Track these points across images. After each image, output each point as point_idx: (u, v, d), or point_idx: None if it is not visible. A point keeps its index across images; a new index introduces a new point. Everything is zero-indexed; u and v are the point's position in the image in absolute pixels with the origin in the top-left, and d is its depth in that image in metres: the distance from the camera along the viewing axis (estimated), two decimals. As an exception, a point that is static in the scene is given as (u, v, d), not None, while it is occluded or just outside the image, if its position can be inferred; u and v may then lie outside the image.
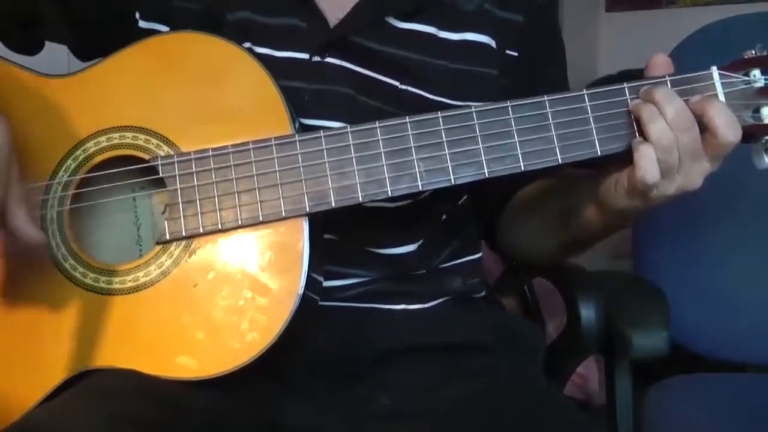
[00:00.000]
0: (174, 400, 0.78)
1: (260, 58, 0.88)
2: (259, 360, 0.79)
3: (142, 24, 0.94)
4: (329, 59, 0.92)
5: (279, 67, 0.89)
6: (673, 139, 0.79)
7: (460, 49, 0.95)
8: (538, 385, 0.95)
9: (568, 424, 0.85)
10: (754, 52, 0.84)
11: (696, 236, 1.31)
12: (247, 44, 0.91)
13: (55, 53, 1.05)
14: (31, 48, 1.03)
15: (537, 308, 1.22)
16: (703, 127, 0.80)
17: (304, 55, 0.92)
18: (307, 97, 0.91)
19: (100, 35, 0.96)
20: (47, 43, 1.04)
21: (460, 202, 1.01)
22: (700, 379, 1.26)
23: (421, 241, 0.96)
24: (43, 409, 0.78)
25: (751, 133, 0.83)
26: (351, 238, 0.92)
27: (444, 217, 0.99)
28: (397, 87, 0.93)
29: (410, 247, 0.95)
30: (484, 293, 1.05)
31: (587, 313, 1.05)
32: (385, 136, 0.82)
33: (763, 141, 0.83)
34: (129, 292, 0.82)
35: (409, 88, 0.93)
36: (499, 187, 1.01)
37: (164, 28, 0.94)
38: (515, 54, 0.98)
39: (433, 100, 0.93)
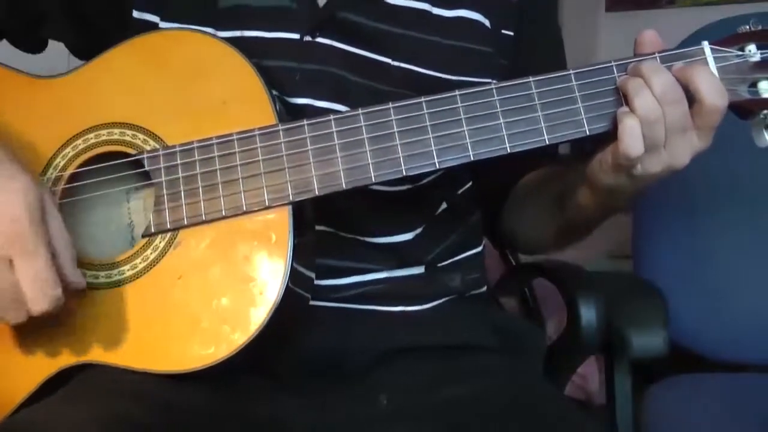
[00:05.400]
0: (164, 399, 0.78)
1: (252, 41, 0.89)
2: (245, 353, 0.78)
3: (135, 14, 0.94)
4: (320, 39, 0.92)
5: (270, 48, 0.90)
6: (659, 114, 0.76)
7: (454, 26, 0.95)
8: (538, 385, 0.95)
9: (568, 424, 0.85)
10: (748, 27, 0.82)
11: (695, 236, 1.31)
12: (239, 32, 0.91)
13: (56, 53, 1.05)
14: (36, 46, 1.04)
15: (537, 308, 1.22)
16: (690, 98, 0.77)
17: (295, 36, 0.92)
18: (298, 76, 0.91)
19: (97, 28, 0.97)
20: (49, 44, 1.04)
21: (461, 191, 1.01)
22: (700, 379, 1.26)
23: (418, 230, 0.95)
24: (33, 409, 0.78)
25: (748, 109, 0.80)
26: (344, 228, 0.92)
27: (444, 206, 0.98)
28: (389, 64, 0.93)
29: (407, 236, 0.94)
30: (484, 288, 1.04)
31: (587, 313, 1.05)
32: (368, 122, 0.82)
33: (762, 116, 0.80)
34: (114, 286, 0.82)
35: (402, 65, 0.93)
36: (503, 175, 1.01)
37: (156, 18, 0.94)
38: (511, 34, 0.97)
39: (427, 75, 0.93)
